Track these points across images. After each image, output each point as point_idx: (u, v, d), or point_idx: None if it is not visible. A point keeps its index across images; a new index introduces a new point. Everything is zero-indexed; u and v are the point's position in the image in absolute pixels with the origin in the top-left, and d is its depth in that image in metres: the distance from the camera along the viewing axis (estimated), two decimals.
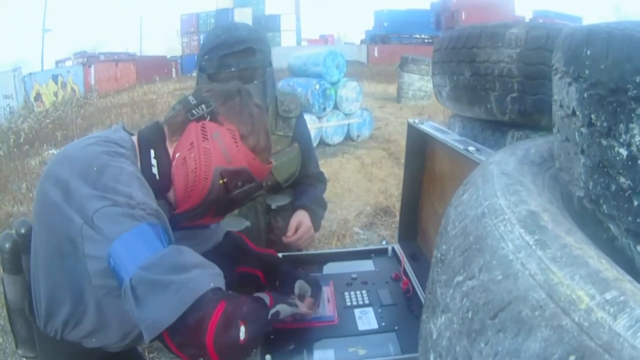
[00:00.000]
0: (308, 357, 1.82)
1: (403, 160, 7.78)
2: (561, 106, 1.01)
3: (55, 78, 21.87)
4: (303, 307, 1.89)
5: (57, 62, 27.77)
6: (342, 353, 1.83)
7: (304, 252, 2.58)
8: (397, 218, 6.26)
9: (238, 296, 1.52)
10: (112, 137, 1.60)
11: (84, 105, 18.86)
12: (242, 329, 1.38)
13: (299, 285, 1.98)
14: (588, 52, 0.90)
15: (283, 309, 1.71)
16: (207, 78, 2.28)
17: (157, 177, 1.59)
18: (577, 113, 0.93)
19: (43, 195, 1.48)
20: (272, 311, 1.66)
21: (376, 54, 34.94)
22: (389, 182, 8.25)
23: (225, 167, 1.58)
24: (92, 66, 25.15)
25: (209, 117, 1.61)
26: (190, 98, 1.66)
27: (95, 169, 1.42)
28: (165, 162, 1.60)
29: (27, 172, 9.26)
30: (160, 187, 1.60)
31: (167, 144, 1.64)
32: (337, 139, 11.00)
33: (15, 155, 10.64)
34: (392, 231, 6.20)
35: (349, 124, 11.16)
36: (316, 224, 2.57)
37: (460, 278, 0.80)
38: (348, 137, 11.29)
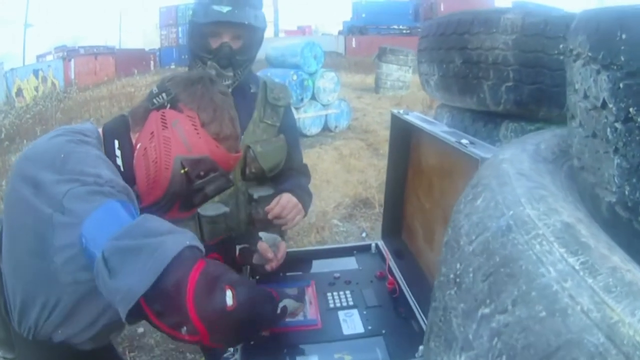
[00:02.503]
0: None
1: (382, 151, 7.78)
2: (586, 97, 0.88)
3: (36, 73, 21.85)
4: (268, 253, 2.03)
5: (38, 57, 27.60)
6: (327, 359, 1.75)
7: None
8: (377, 210, 6.26)
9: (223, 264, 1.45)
10: (76, 128, 1.58)
11: (63, 99, 18.81)
12: (229, 293, 1.27)
13: (264, 237, 2.08)
14: (623, 36, 0.78)
15: (290, 304, 1.65)
16: (197, 27, 2.25)
17: (122, 168, 1.55)
18: (610, 105, 0.80)
19: (12, 192, 1.45)
20: (281, 305, 1.58)
21: (354, 45, 35.01)
22: (367, 173, 8.20)
23: (185, 156, 1.54)
24: (72, 60, 24.96)
25: (169, 105, 1.58)
26: (154, 88, 1.64)
27: (61, 156, 1.39)
28: (129, 153, 1.58)
29: (7, 168, 9.10)
30: (126, 178, 1.51)
31: (131, 134, 1.62)
32: (315, 129, 10.93)
33: None
34: (371, 223, 6.18)
35: (326, 115, 11.11)
36: (303, 208, 2.44)
37: (486, 310, 0.66)
38: (326, 128, 11.24)
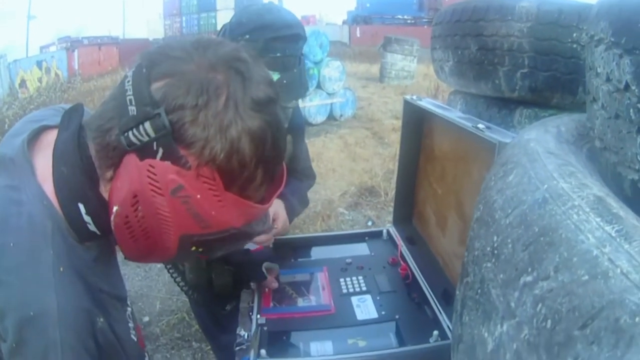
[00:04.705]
0: (305, 351, 1.76)
1: (387, 140, 7.74)
2: (609, 80, 0.92)
3: (39, 64, 21.58)
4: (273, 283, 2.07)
5: (42, 48, 27.47)
6: (341, 345, 1.77)
7: (295, 236, 2.53)
8: (383, 198, 6.27)
9: None
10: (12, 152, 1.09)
11: (67, 89, 18.74)
12: None
13: (267, 265, 2.05)
14: None
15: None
16: None
17: (99, 232, 1.07)
18: (632, 87, 0.84)
19: None
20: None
21: (358, 35, 34.79)
22: (373, 161, 8.20)
23: (197, 234, 1.02)
24: (76, 51, 24.80)
25: (161, 152, 0.93)
26: (129, 94, 0.95)
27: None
28: (103, 215, 1.04)
29: None
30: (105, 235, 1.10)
31: (101, 183, 1.06)
32: (320, 118, 10.89)
33: None
34: (377, 211, 6.20)
35: (332, 104, 11.06)
36: (289, 217, 2.42)
37: (529, 278, 0.70)
38: (331, 117, 11.20)
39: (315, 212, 6.02)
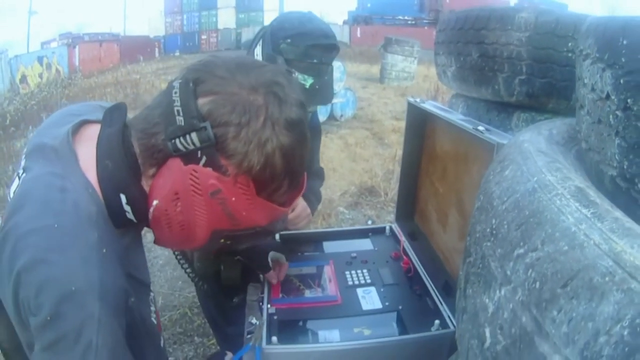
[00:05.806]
0: (313, 338, 1.85)
1: (387, 141, 7.71)
2: (593, 89, 1.06)
3: (40, 60, 21.49)
4: (273, 279, 2.12)
5: (43, 44, 27.39)
6: (347, 333, 1.85)
7: (301, 231, 2.61)
8: (382, 198, 6.33)
9: None
10: (57, 144, 1.17)
11: (68, 85, 18.64)
12: None
13: (273, 256, 2.13)
14: (624, 42, 0.96)
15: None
16: (283, 61, 2.06)
17: (135, 220, 1.19)
18: (612, 97, 0.99)
19: None
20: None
21: (359, 35, 34.70)
22: (373, 162, 8.24)
23: (227, 230, 1.21)
24: (77, 47, 24.72)
25: (204, 159, 1.09)
26: (176, 105, 1.09)
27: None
28: (142, 205, 1.17)
29: (12, 154, 9.01)
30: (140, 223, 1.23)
31: (142, 177, 1.18)
32: (321, 118, 10.67)
33: (0, 137, 10.50)
34: (377, 211, 6.26)
35: (332, 104, 10.85)
36: (312, 212, 2.60)
37: (521, 251, 0.85)
38: (331, 117, 11.15)
39: (316, 211, 6.05)
